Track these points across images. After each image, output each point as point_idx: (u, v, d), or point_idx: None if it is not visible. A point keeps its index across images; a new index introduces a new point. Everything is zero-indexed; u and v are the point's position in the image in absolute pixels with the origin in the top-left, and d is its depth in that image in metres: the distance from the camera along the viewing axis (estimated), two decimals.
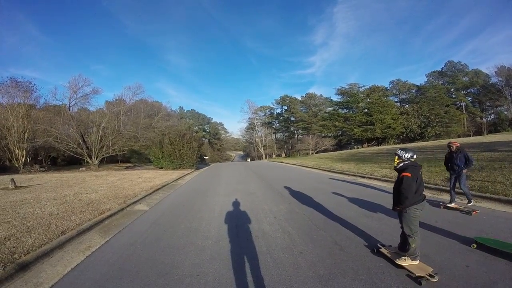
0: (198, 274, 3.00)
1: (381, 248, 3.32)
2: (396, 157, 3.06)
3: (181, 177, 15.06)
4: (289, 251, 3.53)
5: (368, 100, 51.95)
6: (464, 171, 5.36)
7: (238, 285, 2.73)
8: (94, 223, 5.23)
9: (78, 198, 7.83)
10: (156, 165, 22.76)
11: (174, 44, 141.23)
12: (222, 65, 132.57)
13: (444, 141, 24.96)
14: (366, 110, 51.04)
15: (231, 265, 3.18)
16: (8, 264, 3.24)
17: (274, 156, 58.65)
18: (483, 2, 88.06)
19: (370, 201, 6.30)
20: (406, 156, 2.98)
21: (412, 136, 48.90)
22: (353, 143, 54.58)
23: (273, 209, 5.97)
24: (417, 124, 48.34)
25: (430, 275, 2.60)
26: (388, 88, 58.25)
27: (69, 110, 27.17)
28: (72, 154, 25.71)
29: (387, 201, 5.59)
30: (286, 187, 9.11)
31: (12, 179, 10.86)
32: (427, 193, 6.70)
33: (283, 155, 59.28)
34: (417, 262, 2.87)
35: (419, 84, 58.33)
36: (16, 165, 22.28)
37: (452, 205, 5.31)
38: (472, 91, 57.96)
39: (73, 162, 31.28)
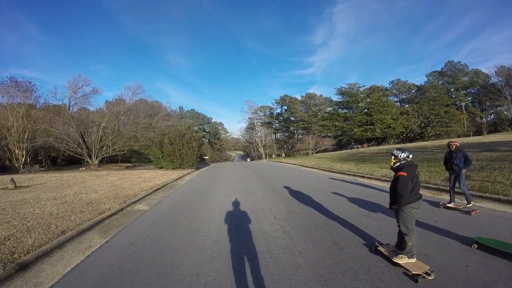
0: (198, 274, 3.00)
1: (378, 246, 3.35)
2: (392, 157, 3.12)
3: (181, 177, 15.06)
4: (289, 251, 3.53)
5: (368, 100, 51.91)
6: (464, 171, 5.36)
7: (238, 285, 2.73)
8: (94, 223, 5.23)
9: (78, 198, 7.84)
10: (156, 165, 22.77)
11: (174, 44, 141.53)
12: (222, 65, 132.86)
13: (444, 141, 24.95)
14: (366, 110, 51.02)
15: (231, 265, 3.18)
16: (8, 264, 3.25)
17: (274, 156, 58.62)
18: (483, 2, 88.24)
19: (370, 201, 6.30)
20: (402, 156, 3.03)
21: (412, 136, 48.89)
22: (353, 143, 54.58)
23: (273, 209, 5.97)
24: (417, 124, 48.34)
25: (426, 273, 2.62)
26: (388, 88, 58.21)
27: (69, 110, 27.17)
28: (72, 154, 25.73)
29: (387, 201, 5.51)
30: (286, 187, 9.11)
31: (12, 179, 10.87)
32: (427, 193, 6.71)
33: (283, 155, 59.25)
34: (413, 260, 2.91)
35: (419, 84, 58.35)
36: (16, 165, 22.30)
37: (452, 205, 5.31)
38: (472, 91, 57.99)
39: (73, 162, 31.35)
